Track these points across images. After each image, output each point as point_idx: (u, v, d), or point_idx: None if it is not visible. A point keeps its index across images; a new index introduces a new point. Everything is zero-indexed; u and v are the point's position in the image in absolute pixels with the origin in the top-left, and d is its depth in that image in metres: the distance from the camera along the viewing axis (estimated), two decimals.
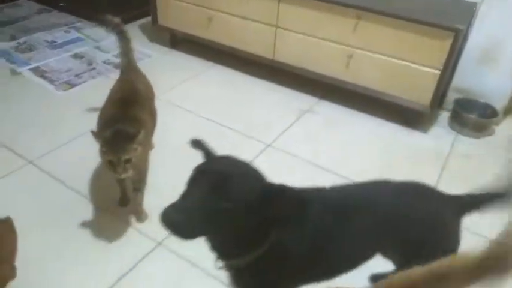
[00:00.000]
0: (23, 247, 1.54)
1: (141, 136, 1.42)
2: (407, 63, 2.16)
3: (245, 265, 1.00)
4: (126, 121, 1.50)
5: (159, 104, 1.77)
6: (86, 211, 1.73)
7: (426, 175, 2.01)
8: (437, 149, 2.20)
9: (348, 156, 2.12)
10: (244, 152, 2.09)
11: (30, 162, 1.96)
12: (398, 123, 2.37)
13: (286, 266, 1.02)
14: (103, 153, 1.41)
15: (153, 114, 1.76)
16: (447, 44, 2.01)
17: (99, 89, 1.85)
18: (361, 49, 2.25)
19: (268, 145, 2.15)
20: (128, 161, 1.39)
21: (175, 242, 1.59)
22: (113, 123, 1.48)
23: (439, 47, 2.04)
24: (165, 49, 3.04)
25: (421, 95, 2.19)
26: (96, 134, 1.41)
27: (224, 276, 1.49)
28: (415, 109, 2.25)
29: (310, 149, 2.14)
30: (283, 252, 1.00)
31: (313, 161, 2.05)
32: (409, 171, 2.03)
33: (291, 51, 2.48)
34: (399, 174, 1.97)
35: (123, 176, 1.42)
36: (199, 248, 1.58)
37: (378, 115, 2.42)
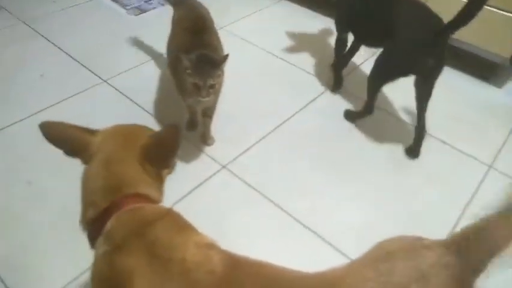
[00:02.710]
0: None
1: (225, 63, 1.46)
2: (492, 9, 2.01)
3: None
4: (203, 48, 1.53)
5: (222, 35, 1.79)
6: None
7: (493, 132, 1.95)
8: (510, 106, 2.10)
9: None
10: (305, 91, 2.10)
11: (105, 81, 2.07)
12: (471, 74, 2.26)
13: None
14: (188, 75, 1.45)
15: (220, 41, 1.79)
16: None
17: (168, 16, 1.88)
18: None
19: (331, 85, 2.14)
20: (212, 86, 1.44)
21: (239, 166, 1.70)
22: (190, 50, 1.51)
23: None
24: None
25: (502, 46, 2.06)
26: (185, 57, 1.44)
27: (281, 201, 1.56)
28: (493, 61, 2.13)
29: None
30: None
31: (379, 105, 2.02)
32: (476, 125, 1.97)
33: None
34: (465, 127, 1.95)
35: (206, 99, 1.47)
36: (261, 174, 1.68)
37: (451, 64, 2.30)
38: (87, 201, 0.87)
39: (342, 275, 0.78)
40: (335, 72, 2.12)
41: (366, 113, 1.86)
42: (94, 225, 0.83)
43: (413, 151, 1.79)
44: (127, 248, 0.76)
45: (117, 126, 0.97)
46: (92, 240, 0.85)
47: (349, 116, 1.96)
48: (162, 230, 0.79)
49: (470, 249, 0.77)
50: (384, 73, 1.71)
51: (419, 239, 0.81)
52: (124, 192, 0.83)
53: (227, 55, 1.48)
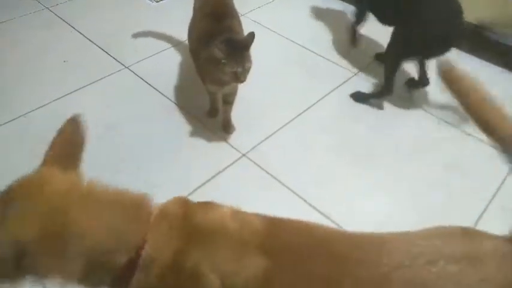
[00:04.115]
0: (127, 138, 1.70)
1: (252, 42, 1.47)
2: None
3: None
4: (225, 33, 1.52)
5: (243, 22, 1.78)
6: (177, 116, 1.84)
7: None
8: None
9: (438, 94, 2.02)
10: (326, 79, 2.08)
11: (127, 67, 2.08)
12: (497, 64, 2.19)
13: None
14: (224, 65, 1.43)
15: (242, 27, 1.78)
16: None
17: (189, 2, 1.87)
18: None
19: (355, 74, 2.11)
20: (249, 68, 1.46)
21: (259, 155, 1.69)
22: (212, 36, 1.51)
23: None
24: None
25: None
26: (216, 48, 1.42)
27: (301, 190, 1.56)
28: None
29: (398, 82, 2.06)
30: None
31: (401, 95, 1.99)
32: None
33: None
34: None
35: (244, 81, 1.48)
36: (281, 162, 1.68)
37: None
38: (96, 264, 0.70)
39: (393, 237, 0.77)
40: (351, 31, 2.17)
41: (384, 93, 1.87)
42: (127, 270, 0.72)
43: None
44: (185, 250, 0.73)
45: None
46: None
47: (360, 97, 1.94)
48: (192, 217, 0.78)
49: None
50: (405, 51, 1.76)
51: (479, 231, 0.79)
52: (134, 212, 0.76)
53: (253, 34, 1.47)
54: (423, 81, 1.93)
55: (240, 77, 1.45)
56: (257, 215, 0.81)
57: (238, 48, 1.44)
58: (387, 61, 1.85)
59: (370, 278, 0.71)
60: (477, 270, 0.70)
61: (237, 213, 0.80)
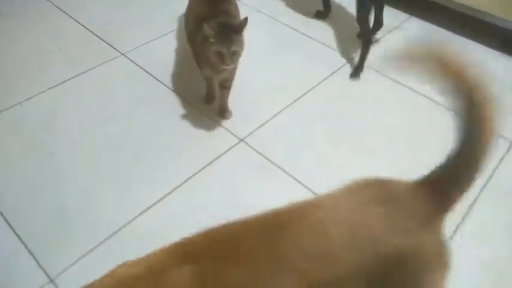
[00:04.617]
0: (125, 125, 1.71)
1: (245, 27, 1.47)
2: None
3: None
4: (222, 16, 1.51)
5: (240, 7, 1.77)
6: (174, 103, 1.84)
7: None
8: None
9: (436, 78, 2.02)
10: (323, 64, 2.07)
11: (123, 54, 2.07)
12: (495, 48, 2.19)
13: None
14: (211, 44, 1.45)
15: (238, 11, 1.77)
16: None
17: None
18: None
19: (352, 58, 2.10)
20: (235, 52, 1.45)
21: (257, 140, 1.70)
22: (208, 20, 1.50)
23: None
24: None
25: None
26: (207, 26, 1.44)
27: (299, 175, 1.57)
28: None
29: (395, 66, 2.06)
30: None
31: (399, 79, 1.98)
32: (505, 100, 1.91)
33: None
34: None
35: (230, 66, 1.48)
36: (279, 147, 1.68)
37: (474, 37, 2.24)
38: None
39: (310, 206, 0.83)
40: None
41: (368, 46, 2.03)
42: None
43: (357, 70, 2.02)
44: None
45: None
46: None
47: (356, 72, 2.03)
48: None
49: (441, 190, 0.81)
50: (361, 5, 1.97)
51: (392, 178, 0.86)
52: None
53: (246, 18, 1.48)
54: (378, 24, 2.16)
55: (225, 59, 1.45)
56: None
57: (229, 30, 1.45)
58: (357, 17, 1.98)
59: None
60: (396, 205, 0.79)
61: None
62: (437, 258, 0.79)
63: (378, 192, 0.82)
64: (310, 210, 0.81)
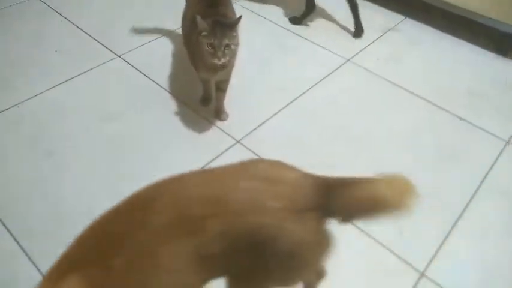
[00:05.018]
0: (121, 126, 1.70)
1: (239, 25, 1.47)
2: None
3: None
4: (218, 17, 1.52)
5: (237, 9, 1.78)
6: (170, 104, 1.84)
7: (511, 107, 1.92)
8: None
9: (433, 80, 2.03)
10: (320, 65, 2.08)
11: (119, 56, 2.07)
12: (490, 50, 2.20)
13: None
14: (204, 37, 1.45)
15: (235, 14, 1.78)
16: None
17: None
18: None
19: (348, 59, 2.11)
20: (228, 46, 1.45)
21: (253, 141, 1.70)
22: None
23: None
24: None
25: None
26: (200, 20, 1.44)
27: None
28: (510, 33, 2.08)
29: (391, 68, 2.07)
30: None
31: (394, 81, 2.00)
32: (493, 101, 1.94)
33: None
34: (481, 102, 1.92)
35: (222, 61, 1.47)
36: (276, 148, 1.69)
37: (469, 39, 2.25)
38: None
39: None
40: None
41: (310, 10, 2.25)
42: None
43: (357, 30, 2.24)
44: None
45: None
46: None
47: (295, 20, 2.30)
48: None
49: (335, 193, 0.83)
50: None
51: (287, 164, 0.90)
52: None
53: (240, 17, 1.49)
54: (358, 31, 2.25)
55: (216, 52, 1.44)
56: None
57: (222, 25, 1.45)
58: None
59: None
60: (274, 187, 0.82)
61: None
62: (306, 249, 0.83)
63: (263, 171, 0.86)
64: (170, 188, 0.83)
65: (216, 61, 1.46)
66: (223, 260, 0.80)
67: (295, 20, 2.32)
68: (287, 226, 0.79)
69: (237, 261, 0.80)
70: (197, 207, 0.77)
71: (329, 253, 0.87)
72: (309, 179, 0.85)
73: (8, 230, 1.39)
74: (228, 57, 1.48)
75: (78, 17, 2.29)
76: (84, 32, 2.21)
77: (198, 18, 1.44)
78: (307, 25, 2.33)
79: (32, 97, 1.84)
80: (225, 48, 1.44)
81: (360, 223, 1.43)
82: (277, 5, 2.48)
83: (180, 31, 1.90)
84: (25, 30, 2.21)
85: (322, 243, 0.85)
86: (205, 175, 0.87)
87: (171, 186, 0.83)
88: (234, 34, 1.47)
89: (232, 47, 1.47)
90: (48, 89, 1.87)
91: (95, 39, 2.16)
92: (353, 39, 2.24)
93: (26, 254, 1.33)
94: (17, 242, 1.36)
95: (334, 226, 1.41)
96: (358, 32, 2.24)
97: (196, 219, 0.76)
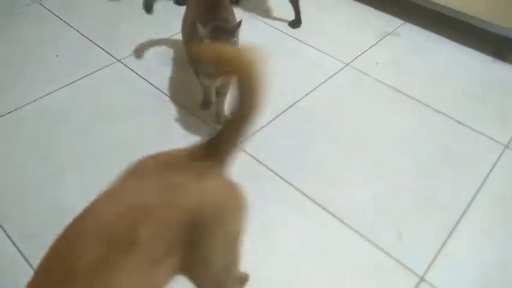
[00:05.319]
0: (120, 131, 1.71)
1: (239, 30, 1.48)
2: None
3: None
4: (219, 22, 1.53)
5: (237, 13, 1.79)
6: (170, 108, 1.85)
7: (509, 110, 1.92)
8: None
9: (431, 84, 2.04)
10: (319, 70, 2.09)
11: (119, 60, 2.08)
12: (488, 53, 2.22)
13: None
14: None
15: (235, 18, 1.78)
16: None
17: None
18: None
19: (347, 64, 2.12)
20: None
21: (252, 145, 1.70)
22: (205, 25, 1.51)
23: None
24: None
25: None
26: (201, 27, 1.45)
27: (294, 180, 1.57)
28: (507, 37, 2.09)
29: (390, 72, 2.08)
30: None
31: (393, 85, 2.01)
32: (490, 104, 1.94)
33: None
34: (479, 106, 1.92)
35: None
36: (274, 152, 1.69)
37: (466, 43, 2.27)
38: None
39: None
40: None
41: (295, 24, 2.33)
42: None
43: (295, 21, 2.34)
44: None
45: None
46: None
47: (294, 24, 2.36)
48: None
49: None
50: None
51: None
52: None
53: (240, 21, 1.50)
54: (295, 22, 2.34)
55: None
56: None
57: (223, 31, 1.47)
58: None
59: None
60: (173, 169, 0.85)
61: None
62: (228, 199, 0.87)
63: (153, 164, 0.90)
64: (83, 228, 0.80)
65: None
66: (170, 256, 0.80)
67: (294, 24, 2.34)
68: (204, 191, 0.82)
69: (181, 250, 0.81)
70: (118, 226, 0.75)
71: (244, 202, 0.92)
72: (195, 149, 0.90)
73: (7, 234, 1.39)
74: None
75: (79, 22, 2.30)
76: (84, 36, 2.22)
77: (199, 26, 1.45)
78: (307, 29, 2.34)
79: (32, 102, 1.84)
80: None
81: (357, 225, 1.44)
82: (276, 8, 2.49)
83: (179, 35, 1.91)
84: (26, 35, 2.22)
85: (235, 193, 0.90)
86: (105, 196, 0.84)
87: (83, 226, 0.79)
88: (235, 39, 1.48)
89: None
90: (49, 93, 1.88)
91: (95, 44, 2.17)
92: (352, 43, 2.24)
93: (25, 259, 1.33)
94: (17, 247, 1.36)
95: (341, 231, 1.41)
96: (295, 23, 2.34)
97: (123, 236, 0.74)
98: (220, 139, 0.88)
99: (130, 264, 0.73)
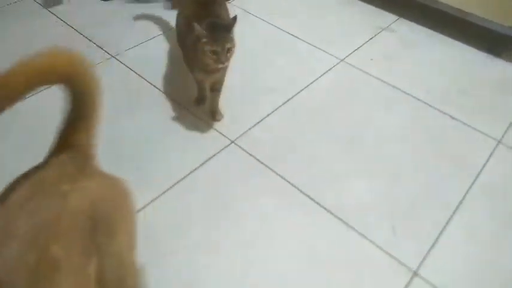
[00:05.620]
0: (115, 128, 1.70)
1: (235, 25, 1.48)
2: None
3: None
4: (212, 18, 1.53)
5: (231, 8, 1.79)
6: (164, 104, 1.85)
7: (503, 106, 1.94)
8: None
9: (425, 80, 2.05)
10: (313, 65, 2.09)
11: (113, 56, 2.07)
12: (481, 49, 2.22)
13: None
14: (205, 44, 1.45)
15: (229, 14, 1.78)
16: None
17: None
18: None
19: (342, 59, 2.12)
20: (229, 49, 1.47)
21: (248, 141, 1.71)
22: (199, 21, 1.51)
23: None
24: None
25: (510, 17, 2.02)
26: (198, 26, 1.45)
27: (291, 176, 1.58)
28: (501, 33, 2.10)
29: (385, 68, 2.08)
30: None
31: (388, 80, 2.01)
32: (485, 100, 1.95)
33: None
34: (473, 102, 1.93)
35: (226, 64, 1.50)
36: (271, 148, 1.69)
37: (460, 39, 2.27)
38: None
39: None
40: None
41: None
42: None
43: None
44: None
45: None
46: None
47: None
48: None
49: None
50: None
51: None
52: None
53: (235, 17, 1.50)
54: None
55: (220, 57, 1.46)
56: None
57: (220, 29, 1.47)
58: None
59: None
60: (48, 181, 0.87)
61: None
62: (113, 191, 0.90)
63: (29, 185, 0.89)
64: None
65: (220, 65, 1.49)
66: (92, 257, 0.80)
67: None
68: (90, 191, 0.84)
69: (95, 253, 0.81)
70: (34, 255, 0.72)
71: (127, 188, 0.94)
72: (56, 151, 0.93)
73: None
74: (229, 60, 1.50)
75: (72, 18, 2.29)
76: (78, 32, 2.20)
77: (196, 25, 1.44)
78: (301, 24, 2.33)
79: (25, 99, 1.82)
80: (227, 53, 1.46)
81: (351, 220, 1.44)
82: (270, 3, 2.48)
83: (174, 31, 1.90)
84: (18, 30, 2.20)
85: (116, 184, 0.93)
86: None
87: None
88: (232, 36, 1.49)
89: (232, 49, 1.48)
90: (40, 91, 1.86)
91: (89, 40, 2.16)
92: (347, 39, 2.24)
93: None
94: None
95: (335, 226, 1.41)
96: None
97: (44, 261, 0.73)
98: (74, 137, 0.92)
99: (64, 278, 0.73)
